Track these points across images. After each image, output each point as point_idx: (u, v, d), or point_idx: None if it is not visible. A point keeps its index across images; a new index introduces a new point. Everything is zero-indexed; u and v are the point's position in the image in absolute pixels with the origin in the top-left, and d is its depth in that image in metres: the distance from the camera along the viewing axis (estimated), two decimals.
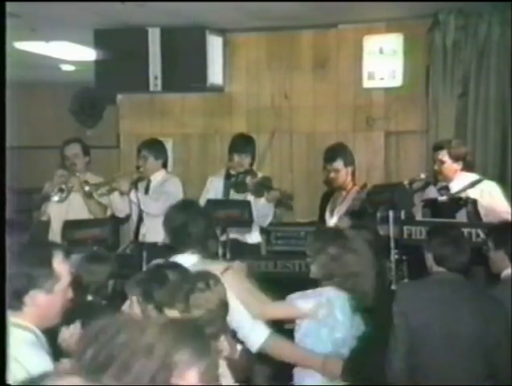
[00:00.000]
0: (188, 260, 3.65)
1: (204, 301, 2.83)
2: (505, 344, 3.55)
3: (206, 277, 2.96)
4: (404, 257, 4.82)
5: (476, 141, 6.17)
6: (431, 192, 5.51)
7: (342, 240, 3.75)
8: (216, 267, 3.48)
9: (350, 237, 3.82)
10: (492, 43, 6.14)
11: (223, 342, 3.09)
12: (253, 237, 5.89)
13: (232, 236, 5.68)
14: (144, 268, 5.16)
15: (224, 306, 2.96)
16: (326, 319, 3.62)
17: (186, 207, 4.10)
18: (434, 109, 6.35)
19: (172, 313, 2.81)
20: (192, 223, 3.80)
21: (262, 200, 5.57)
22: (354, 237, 3.85)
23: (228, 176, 5.92)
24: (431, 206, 5.27)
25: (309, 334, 3.63)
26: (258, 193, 5.58)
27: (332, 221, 5.61)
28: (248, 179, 5.68)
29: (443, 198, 5.26)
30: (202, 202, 5.42)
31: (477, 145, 6.15)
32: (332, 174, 5.63)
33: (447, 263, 3.76)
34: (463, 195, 5.18)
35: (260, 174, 5.80)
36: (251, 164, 5.93)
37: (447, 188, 5.33)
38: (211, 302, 2.86)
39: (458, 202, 5.07)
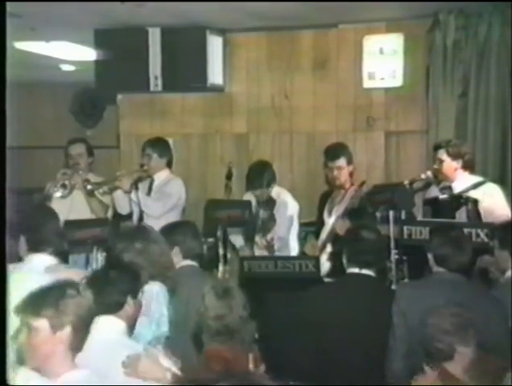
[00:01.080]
0: (43, 260, 3.76)
1: (75, 307, 2.80)
2: (505, 344, 3.55)
3: (74, 283, 2.95)
4: (404, 257, 4.82)
5: (476, 141, 6.17)
6: (433, 192, 5.51)
7: (145, 235, 3.87)
8: (72, 273, 3.64)
9: (150, 230, 3.93)
10: (492, 43, 6.13)
11: None
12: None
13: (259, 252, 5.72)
14: None
15: (92, 312, 2.93)
16: (154, 314, 3.67)
17: (42, 207, 4.25)
18: (434, 109, 6.35)
19: (40, 321, 2.76)
20: (46, 223, 3.95)
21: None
22: (153, 230, 3.96)
23: None
24: (432, 204, 5.28)
25: (142, 330, 3.67)
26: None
27: (330, 221, 5.61)
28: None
29: (444, 196, 5.26)
30: None
31: (477, 145, 6.15)
32: (336, 173, 5.62)
33: (447, 263, 3.76)
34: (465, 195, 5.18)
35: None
36: (273, 186, 5.86)
37: (449, 188, 5.34)
38: (81, 308, 2.82)
39: (458, 200, 5.07)
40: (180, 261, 4.21)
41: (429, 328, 3.24)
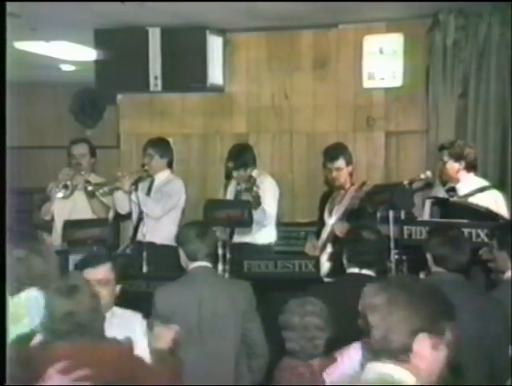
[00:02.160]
0: None
1: None
2: (505, 344, 3.55)
3: None
4: (404, 257, 4.82)
5: (476, 141, 6.16)
6: (439, 193, 5.51)
7: (31, 243, 3.76)
8: None
9: (40, 239, 3.83)
10: (492, 43, 6.13)
11: None
12: (265, 237, 5.87)
13: (244, 240, 5.69)
14: (144, 268, 5.17)
15: None
16: (33, 320, 3.45)
17: None
18: (434, 109, 6.35)
19: None
20: None
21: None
22: (43, 240, 3.86)
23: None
24: (441, 204, 5.25)
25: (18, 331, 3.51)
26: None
27: (331, 221, 5.61)
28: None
29: (464, 200, 5.24)
30: None
31: (477, 145, 6.14)
32: (335, 173, 5.63)
33: (446, 263, 3.76)
34: (471, 199, 5.18)
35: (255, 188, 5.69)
36: (254, 167, 5.86)
37: (453, 190, 5.35)
38: None
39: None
40: (188, 263, 4.10)
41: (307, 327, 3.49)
